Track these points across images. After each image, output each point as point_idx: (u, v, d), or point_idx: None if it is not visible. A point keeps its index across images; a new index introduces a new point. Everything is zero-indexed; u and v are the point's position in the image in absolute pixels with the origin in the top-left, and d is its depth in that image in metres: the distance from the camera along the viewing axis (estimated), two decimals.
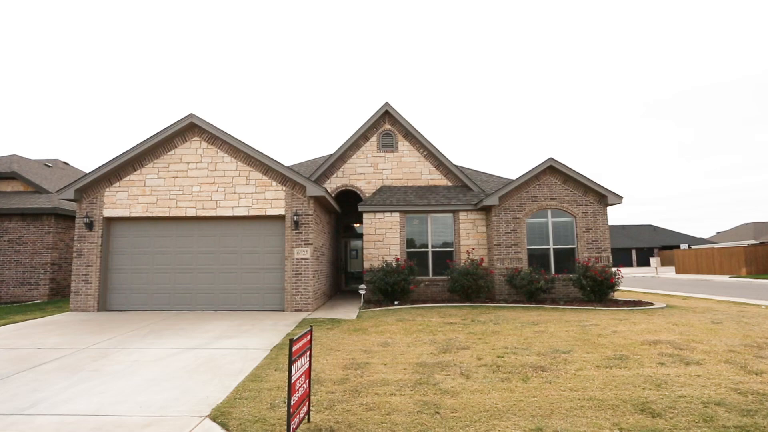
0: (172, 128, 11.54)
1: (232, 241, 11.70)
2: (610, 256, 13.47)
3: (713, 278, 29.74)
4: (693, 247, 44.64)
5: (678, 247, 52.32)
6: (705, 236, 67.40)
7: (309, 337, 4.16)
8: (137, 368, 6.01)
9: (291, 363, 3.55)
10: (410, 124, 15.16)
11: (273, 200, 11.53)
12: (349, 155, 15.36)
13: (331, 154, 15.15)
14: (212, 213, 11.55)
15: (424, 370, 5.67)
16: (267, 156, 11.48)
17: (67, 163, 22.98)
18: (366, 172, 15.27)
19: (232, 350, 6.99)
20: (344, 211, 18.11)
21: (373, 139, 15.42)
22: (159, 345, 7.41)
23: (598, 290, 12.06)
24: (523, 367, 5.76)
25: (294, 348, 3.63)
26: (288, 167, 11.44)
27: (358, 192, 15.23)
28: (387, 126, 15.47)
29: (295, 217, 11.24)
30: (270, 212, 11.48)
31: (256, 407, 4.48)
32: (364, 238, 14.23)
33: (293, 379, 3.60)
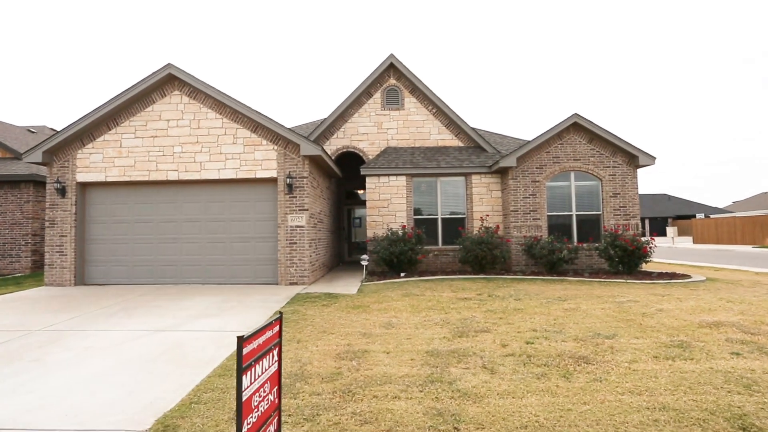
0: (148, 80, 10.18)
1: (220, 207, 10.51)
2: (640, 224, 12.15)
3: (735, 248, 28.35)
4: (713, 216, 42.92)
5: (693, 216, 50.57)
6: (720, 206, 65.39)
7: (277, 328, 2.97)
8: (87, 357, 4.93)
9: (241, 371, 2.37)
10: (418, 78, 13.64)
11: (263, 161, 10.25)
12: (351, 114, 13.94)
13: (331, 113, 13.74)
14: (196, 176, 10.32)
15: (436, 362, 4.52)
16: (255, 111, 10.14)
17: (55, 130, 21.73)
18: (369, 132, 13.88)
19: (207, 333, 5.89)
20: (347, 176, 16.81)
21: (377, 96, 13.95)
22: (125, 326, 6.33)
23: (627, 261, 10.81)
24: (560, 357, 4.59)
25: (247, 349, 2.44)
26: (279, 124, 10.11)
27: (361, 154, 13.89)
28: (392, 81, 13.96)
29: (288, 180, 9.98)
30: (260, 175, 10.23)
31: (214, 417, 3.36)
32: (368, 204, 12.98)
33: (247, 393, 2.44)
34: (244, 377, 2.40)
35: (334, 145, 13.90)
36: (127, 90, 10.18)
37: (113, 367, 4.59)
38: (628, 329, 5.63)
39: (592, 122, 12.11)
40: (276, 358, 2.93)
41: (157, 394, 3.85)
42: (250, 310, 7.30)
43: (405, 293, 8.55)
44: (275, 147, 10.26)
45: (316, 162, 10.98)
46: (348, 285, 9.99)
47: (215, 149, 10.33)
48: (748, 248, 27.91)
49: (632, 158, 12.29)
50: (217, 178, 10.29)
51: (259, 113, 10.13)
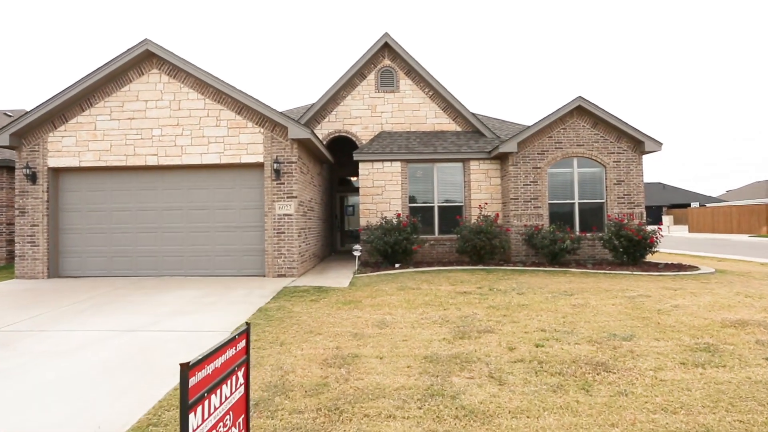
0: (124, 57, 9.43)
1: (203, 194, 9.86)
2: (644, 213, 11.65)
3: (731, 237, 28.11)
4: (709, 205, 42.75)
5: (688, 205, 50.37)
6: (714, 195, 65.34)
7: (243, 343, 2.39)
8: (39, 364, 4.33)
9: (186, 408, 1.79)
10: (414, 59, 12.95)
11: (249, 145, 9.59)
12: (343, 96, 13.24)
13: (322, 95, 13.04)
14: (177, 161, 9.64)
15: (436, 369, 3.98)
16: (240, 91, 9.44)
17: None
18: (362, 116, 13.21)
19: (180, 334, 5.31)
20: (339, 162, 16.17)
21: (371, 77, 13.25)
22: (92, 325, 5.73)
23: (633, 252, 10.32)
24: (575, 364, 4.06)
25: (196, 378, 1.86)
26: (266, 105, 9.42)
27: (354, 139, 13.24)
28: (387, 61, 13.25)
29: (275, 165, 9.34)
30: (245, 159, 9.58)
31: None
32: (361, 191, 12.37)
33: None
34: (191, 415, 1.83)
35: (325, 129, 13.22)
36: (101, 68, 9.43)
37: (65, 376, 4.00)
38: (645, 329, 5.12)
39: (596, 106, 11.52)
40: (242, 380, 2.35)
41: (109, 413, 3.28)
42: (232, 306, 6.72)
43: (400, 286, 8.00)
44: (261, 130, 9.59)
45: (305, 146, 10.33)
46: (339, 277, 9.43)
47: (197, 132, 9.65)
48: (745, 237, 27.67)
49: (638, 144, 11.74)
50: (199, 163, 9.63)
51: (244, 93, 9.44)
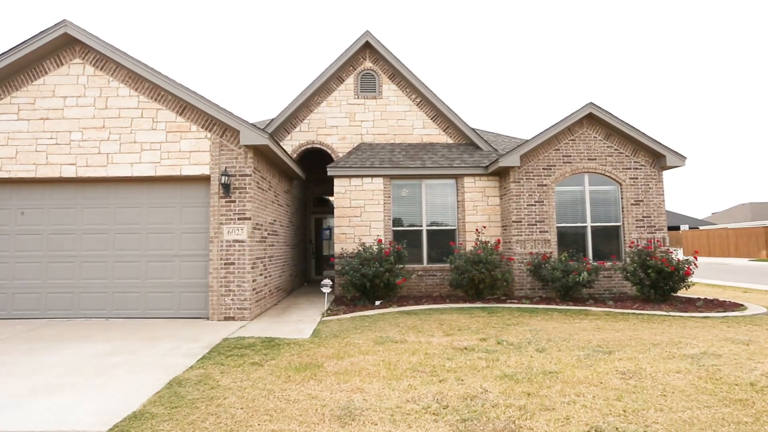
0: (35, 41, 7.52)
1: (133, 214, 7.87)
2: (667, 237, 9.97)
3: (731, 261, 26.86)
4: (702, 227, 41.80)
5: (678, 228, 49.51)
6: (700, 217, 64.83)
7: None
8: None
9: None
10: (399, 61, 11.29)
11: (192, 153, 7.68)
12: (317, 102, 11.48)
13: (293, 100, 11.25)
14: (101, 172, 7.67)
15: None
16: (182, 86, 7.59)
17: None
18: (339, 125, 11.43)
19: None
20: (315, 180, 14.34)
21: (349, 81, 11.53)
22: None
23: (662, 285, 8.55)
24: None
25: None
26: (214, 103, 7.57)
27: (329, 151, 11.42)
28: (368, 64, 11.57)
29: (223, 178, 7.42)
30: (188, 171, 7.65)
31: None
32: (336, 212, 10.49)
33: None
34: None
35: (296, 140, 11.39)
36: (5, 53, 7.50)
37: None
38: (755, 426, 3.26)
39: (610, 113, 9.93)
40: None
41: None
42: (137, 374, 4.69)
43: (379, 338, 6.04)
44: (208, 134, 7.70)
45: (265, 156, 8.46)
46: (303, 321, 7.43)
47: (128, 137, 7.72)
48: (744, 261, 26.45)
49: (657, 158, 10.14)
50: (129, 175, 7.66)
51: (187, 89, 7.59)
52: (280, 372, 4.65)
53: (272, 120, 11.24)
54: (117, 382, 4.44)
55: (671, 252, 8.73)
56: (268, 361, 5.02)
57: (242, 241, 7.49)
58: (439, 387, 4.16)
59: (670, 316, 7.38)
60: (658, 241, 9.70)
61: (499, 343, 5.67)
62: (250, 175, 7.62)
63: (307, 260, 14.24)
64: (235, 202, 7.56)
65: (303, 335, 6.25)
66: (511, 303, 8.81)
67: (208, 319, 7.48)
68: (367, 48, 11.50)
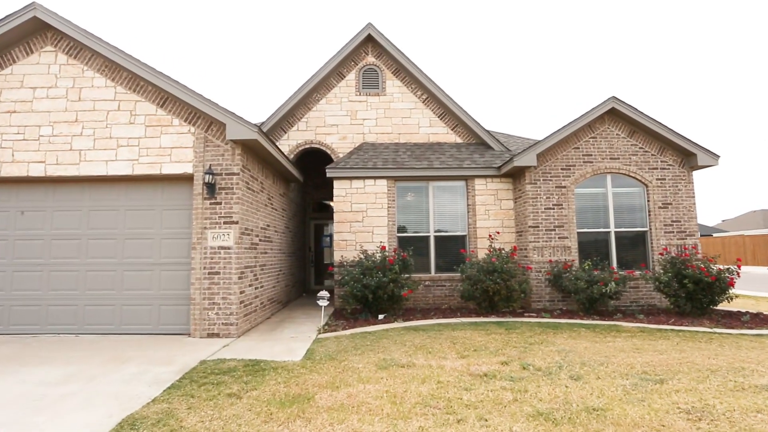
0: (1, 26, 6.79)
1: (109, 218, 7.06)
2: (699, 244, 9.06)
3: (750, 270, 25.79)
4: (716, 235, 40.70)
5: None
6: (710, 224, 63.54)
7: None
8: None
9: None
10: (403, 55, 10.52)
11: (174, 149, 6.89)
12: (316, 99, 10.70)
13: (290, 97, 10.48)
14: (73, 171, 6.89)
15: None
16: (164, 75, 6.82)
17: None
18: (340, 124, 10.64)
19: None
20: (315, 184, 13.57)
21: (351, 77, 10.76)
22: None
23: (700, 297, 7.63)
24: None
25: None
26: (198, 93, 6.79)
27: (328, 152, 10.62)
28: (370, 58, 10.81)
29: (207, 177, 6.61)
30: (168, 169, 6.85)
31: None
32: (335, 216, 9.66)
33: None
34: None
35: (293, 140, 10.61)
36: None
37: None
38: None
39: (634, 108, 9.08)
40: None
41: None
42: (86, 409, 3.84)
43: (382, 361, 5.17)
44: (192, 129, 6.92)
45: (255, 154, 7.66)
46: (296, 339, 6.57)
47: (103, 131, 6.94)
48: (765, 270, 25.40)
49: (687, 157, 9.27)
50: (104, 174, 6.87)
51: (170, 78, 6.81)
52: (260, 407, 3.79)
53: (268, 118, 10.46)
54: (58, 420, 3.59)
55: (711, 260, 7.80)
56: (249, 392, 4.15)
57: (228, 248, 6.66)
58: (457, 430, 3.28)
59: (715, 333, 6.46)
60: (693, 247, 8.79)
61: (524, 368, 4.78)
62: (238, 174, 6.80)
63: (305, 269, 13.39)
64: (220, 203, 6.74)
65: (294, 357, 5.38)
66: (529, 317, 7.92)
67: (189, 335, 6.63)
68: (370, 42, 10.74)
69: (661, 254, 8.68)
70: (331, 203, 14.67)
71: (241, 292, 6.79)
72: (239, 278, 6.73)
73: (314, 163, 12.51)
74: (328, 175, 9.61)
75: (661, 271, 8.12)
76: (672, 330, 6.67)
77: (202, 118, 6.90)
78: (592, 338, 6.19)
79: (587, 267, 8.21)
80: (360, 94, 10.70)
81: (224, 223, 6.70)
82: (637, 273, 8.63)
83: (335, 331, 6.94)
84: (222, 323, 6.56)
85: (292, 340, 6.37)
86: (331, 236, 15.21)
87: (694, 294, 7.57)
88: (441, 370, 4.75)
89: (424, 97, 10.68)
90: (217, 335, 6.55)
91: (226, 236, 6.66)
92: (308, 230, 13.91)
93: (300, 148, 10.60)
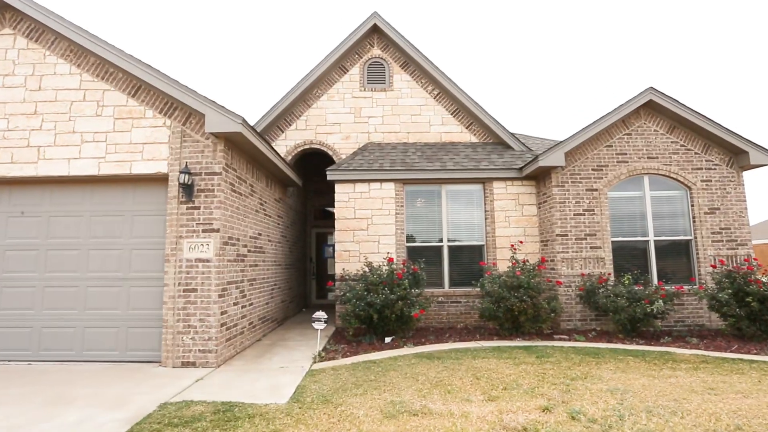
0: None
1: (71, 225, 6.08)
2: (752, 253, 7.90)
3: None
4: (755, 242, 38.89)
5: None
6: None
7: None
8: None
9: None
10: (412, 46, 9.54)
11: (146, 145, 5.91)
12: (317, 95, 9.74)
13: (287, 93, 9.53)
14: (31, 171, 5.93)
15: None
16: (135, 59, 5.88)
17: None
18: (342, 122, 9.65)
19: None
20: (317, 189, 12.59)
21: (354, 71, 9.80)
22: None
23: (765, 318, 6.47)
24: None
25: None
26: (174, 80, 5.83)
27: (330, 152, 9.63)
28: (376, 51, 9.85)
29: (183, 177, 5.61)
30: (140, 168, 5.87)
31: None
32: (337, 224, 8.64)
33: None
34: None
35: (291, 140, 9.63)
36: None
37: None
38: None
39: (675, 100, 8.01)
40: None
41: None
42: None
43: (390, 403, 4.08)
44: (167, 121, 5.94)
45: (243, 151, 6.66)
46: (286, 369, 5.49)
47: (65, 125, 5.99)
48: None
49: (736, 155, 8.16)
50: (66, 174, 5.91)
51: (142, 62, 5.87)
52: None
53: (263, 116, 9.50)
54: None
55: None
56: None
57: (207, 261, 5.63)
58: None
59: None
60: (746, 259, 7.64)
61: (573, 418, 3.67)
62: (220, 174, 5.80)
63: (306, 282, 12.34)
64: (199, 208, 5.74)
65: (278, 398, 4.30)
66: (560, 339, 6.79)
67: (160, 363, 5.59)
68: (375, 32, 9.79)
69: (714, 267, 7.53)
70: (333, 209, 13.64)
71: (222, 313, 5.75)
72: (220, 296, 5.70)
73: (316, 166, 11.54)
74: (328, 177, 8.60)
75: (716, 287, 6.96)
76: (741, 360, 5.51)
77: (180, 109, 5.93)
78: (646, 371, 5.06)
79: (627, 282, 7.08)
80: (365, 90, 9.73)
81: (203, 231, 5.69)
82: (686, 288, 7.48)
83: (334, 359, 5.86)
84: (199, 350, 5.51)
85: (282, 372, 5.30)
86: (334, 246, 14.15)
87: (759, 314, 6.41)
88: (465, 421, 3.65)
89: (435, 92, 9.68)
90: (193, 364, 5.50)
91: (205, 246, 5.64)
92: (309, 239, 12.89)
93: (299, 149, 9.62)
